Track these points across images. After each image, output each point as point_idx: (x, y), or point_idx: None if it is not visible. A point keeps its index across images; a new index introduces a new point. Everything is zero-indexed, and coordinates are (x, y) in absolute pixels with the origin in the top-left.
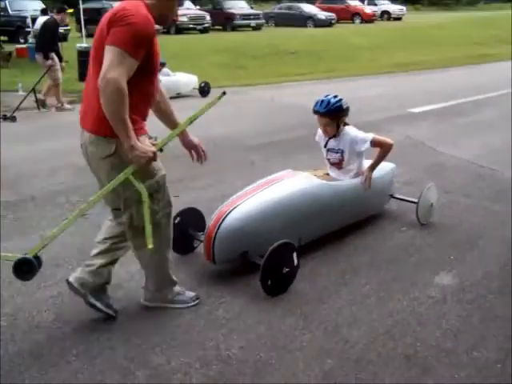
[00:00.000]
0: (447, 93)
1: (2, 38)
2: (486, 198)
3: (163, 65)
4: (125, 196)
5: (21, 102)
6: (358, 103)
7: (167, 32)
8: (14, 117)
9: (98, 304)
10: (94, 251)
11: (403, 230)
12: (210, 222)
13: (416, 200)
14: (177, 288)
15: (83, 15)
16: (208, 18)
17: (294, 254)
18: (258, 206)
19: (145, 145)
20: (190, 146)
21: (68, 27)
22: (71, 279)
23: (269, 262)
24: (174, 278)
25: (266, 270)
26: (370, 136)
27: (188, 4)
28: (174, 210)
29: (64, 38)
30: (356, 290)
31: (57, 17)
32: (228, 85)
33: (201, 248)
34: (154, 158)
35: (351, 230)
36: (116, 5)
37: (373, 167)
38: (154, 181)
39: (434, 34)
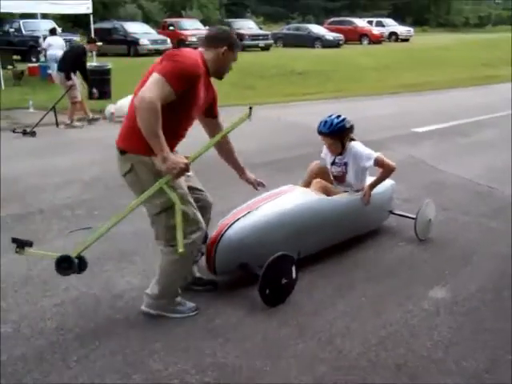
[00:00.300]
0: (451, 113)
1: (15, 57)
2: (483, 215)
3: None
4: (160, 200)
5: (41, 119)
6: (364, 123)
7: None
8: (34, 132)
9: None
10: None
11: (401, 245)
12: (212, 234)
13: (414, 216)
14: (178, 298)
15: (94, 35)
16: None
17: (293, 267)
18: (258, 220)
19: (177, 157)
20: (249, 181)
21: None
22: None
23: (268, 271)
24: (179, 290)
25: (265, 279)
26: (375, 155)
27: (197, 24)
28: None
29: None
30: (351, 302)
31: (87, 46)
32: (235, 104)
33: (202, 260)
34: (186, 169)
35: (350, 244)
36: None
37: (372, 186)
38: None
39: (440, 56)
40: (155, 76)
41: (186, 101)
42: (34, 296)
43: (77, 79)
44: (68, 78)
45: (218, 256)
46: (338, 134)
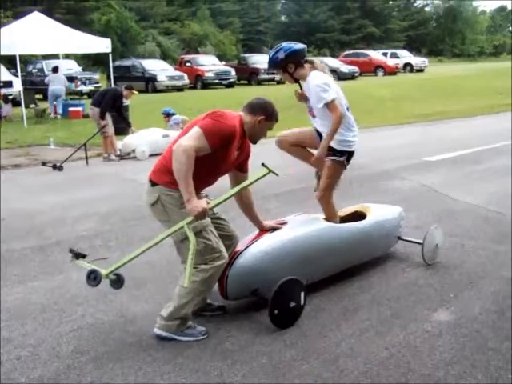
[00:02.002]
0: (464, 141)
1: (38, 96)
2: (491, 240)
3: (172, 115)
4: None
5: (70, 155)
6: (377, 153)
7: (194, 87)
8: (61, 166)
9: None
10: None
11: (407, 270)
12: None
13: (421, 241)
14: (189, 322)
15: (114, 72)
16: (233, 73)
17: (302, 292)
18: (268, 247)
19: (199, 201)
20: (269, 228)
21: (99, 84)
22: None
23: (277, 293)
24: (191, 315)
25: (275, 301)
26: (328, 99)
27: (214, 60)
28: None
29: (94, 94)
30: (356, 325)
31: (124, 91)
32: None
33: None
34: (203, 213)
35: (357, 269)
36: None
37: (327, 142)
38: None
39: (455, 85)
40: (196, 128)
41: (219, 156)
42: (51, 322)
43: (109, 118)
44: (102, 117)
45: (229, 282)
46: (276, 66)
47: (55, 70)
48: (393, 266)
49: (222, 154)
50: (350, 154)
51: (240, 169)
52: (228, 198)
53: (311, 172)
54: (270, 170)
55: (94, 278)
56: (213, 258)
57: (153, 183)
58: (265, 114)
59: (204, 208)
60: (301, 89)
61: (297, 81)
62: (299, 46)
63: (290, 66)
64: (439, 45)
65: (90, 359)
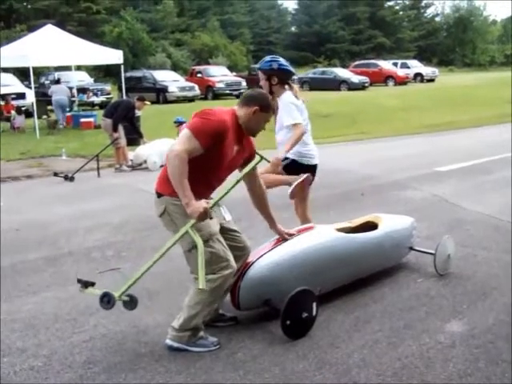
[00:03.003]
0: (475, 151)
1: (50, 107)
2: (502, 250)
3: (183, 123)
4: (189, 239)
5: (82, 166)
6: (388, 163)
7: (205, 98)
8: (73, 177)
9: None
10: None
11: (419, 281)
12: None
13: (433, 251)
14: (201, 333)
15: (125, 84)
16: (244, 83)
17: (314, 303)
18: (279, 258)
19: (198, 202)
20: (279, 232)
21: (111, 95)
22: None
23: (290, 304)
24: (202, 325)
25: (287, 311)
26: (296, 121)
27: (224, 71)
28: None
29: (105, 106)
30: (368, 336)
31: (136, 103)
32: (259, 148)
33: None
34: (204, 213)
35: (369, 279)
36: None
37: (286, 150)
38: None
39: (466, 94)
40: (185, 131)
41: (215, 154)
42: (64, 332)
43: (121, 129)
44: (115, 129)
45: (241, 293)
46: (265, 71)
47: (57, 81)
48: (405, 277)
49: (217, 153)
50: (313, 167)
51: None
52: (226, 193)
53: (320, 183)
54: (261, 157)
55: (107, 301)
56: (220, 268)
57: (159, 194)
58: (259, 104)
59: (205, 207)
60: None
61: (271, 93)
62: (292, 69)
63: (273, 79)
64: (450, 55)
65: (103, 369)
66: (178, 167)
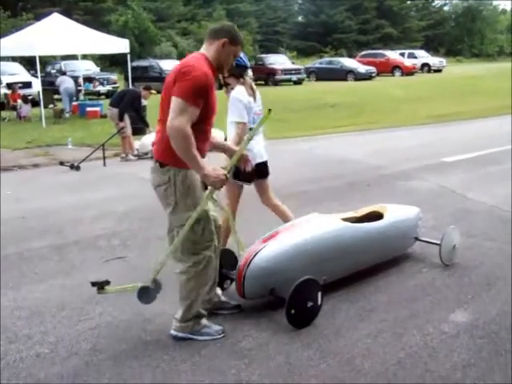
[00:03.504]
0: (482, 142)
1: (56, 96)
2: (508, 241)
3: None
4: (187, 214)
5: (88, 155)
6: (395, 153)
7: None
8: (79, 166)
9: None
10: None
11: (424, 271)
12: (241, 261)
13: (439, 242)
14: (204, 321)
15: (131, 73)
16: (250, 73)
17: (319, 293)
18: (284, 246)
19: (215, 171)
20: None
21: (117, 84)
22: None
23: (295, 293)
24: (203, 311)
25: (292, 300)
26: (236, 120)
27: None
28: None
29: (112, 95)
30: (372, 325)
31: (142, 92)
32: (267, 137)
33: (230, 286)
34: (226, 179)
35: (373, 269)
36: (182, 60)
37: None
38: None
39: (473, 85)
40: (177, 100)
41: (209, 107)
42: (70, 320)
43: (127, 118)
44: (121, 119)
45: (246, 282)
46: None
47: (64, 73)
48: (410, 267)
49: (208, 103)
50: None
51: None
52: (238, 155)
53: (326, 173)
54: (269, 110)
55: (146, 295)
56: (204, 247)
57: (162, 164)
58: (228, 36)
59: (225, 174)
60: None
61: (226, 85)
62: (247, 63)
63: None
64: (458, 45)
65: (108, 357)
66: (186, 142)
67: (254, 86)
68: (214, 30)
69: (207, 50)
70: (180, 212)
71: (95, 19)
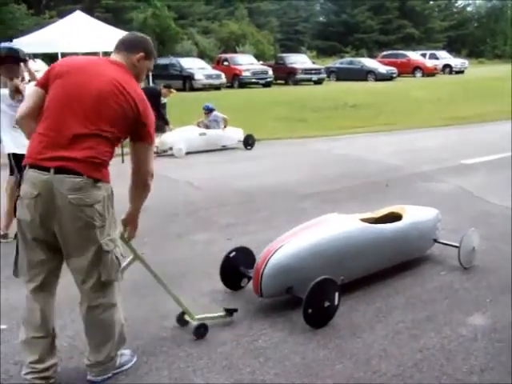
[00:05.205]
0: (503, 144)
1: None
2: None
3: (212, 110)
4: (94, 248)
5: None
6: (414, 154)
7: (231, 86)
8: None
9: None
10: None
11: (443, 273)
12: (259, 259)
13: (458, 244)
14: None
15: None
16: (270, 72)
17: (336, 293)
18: (303, 246)
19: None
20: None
21: None
22: None
23: (312, 293)
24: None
25: (309, 300)
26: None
27: (251, 59)
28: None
29: None
30: (390, 327)
31: (162, 90)
32: (286, 137)
33: (247, 284)
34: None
35: (392, 271)
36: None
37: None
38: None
39: (495, 87)
40: (147, 147)
41: None
42: None
43: None
44: None
45: (264, 280)
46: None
47: None
48: (428, 269)
49: None
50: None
51: None
52: None
53: (345, 172)
54: None
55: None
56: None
57: (96, 180)
58: (144, 50)
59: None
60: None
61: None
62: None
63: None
64: (480, 46)
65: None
66: (150, 188)
67: None
68: (129, 40)
69: (126, 61)
70: (82, 251)
71: (116, 17)
